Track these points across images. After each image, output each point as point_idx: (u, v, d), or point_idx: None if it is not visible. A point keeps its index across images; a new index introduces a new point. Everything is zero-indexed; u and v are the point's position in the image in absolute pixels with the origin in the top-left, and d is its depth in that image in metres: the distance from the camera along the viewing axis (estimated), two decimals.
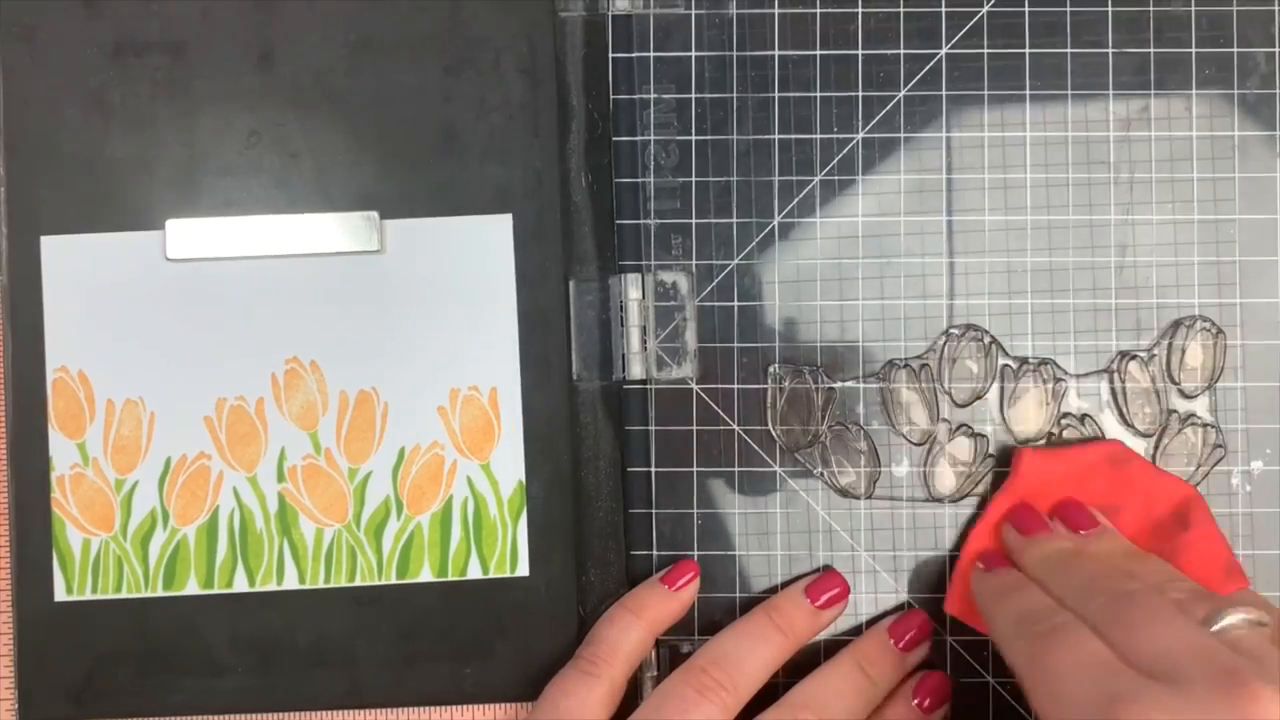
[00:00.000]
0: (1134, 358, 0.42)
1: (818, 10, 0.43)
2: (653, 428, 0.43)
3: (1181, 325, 0.42)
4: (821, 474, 0.43)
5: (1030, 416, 0.43)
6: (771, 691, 0.40)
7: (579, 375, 0.43)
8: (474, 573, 0.42)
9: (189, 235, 0.42)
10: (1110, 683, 0.32)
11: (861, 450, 0.43)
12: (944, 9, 0.43)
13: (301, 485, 0.42)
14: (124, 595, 0.42)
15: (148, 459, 0.42)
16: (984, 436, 0.43)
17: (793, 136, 0.43)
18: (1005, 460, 0.42)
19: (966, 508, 0.43)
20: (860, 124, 0.43)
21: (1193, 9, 0.42)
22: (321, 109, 0.42)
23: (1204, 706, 0.31)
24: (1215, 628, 0.33)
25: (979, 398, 0.43)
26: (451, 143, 0.42)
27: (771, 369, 0.43)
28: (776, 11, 0.43)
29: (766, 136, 0.43)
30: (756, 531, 0.43)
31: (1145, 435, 0.42)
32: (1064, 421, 0.42)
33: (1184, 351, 0.42)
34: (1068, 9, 0.42)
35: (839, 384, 0.43)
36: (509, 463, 0.42)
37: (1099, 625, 0.35)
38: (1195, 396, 0.42)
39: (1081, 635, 0.34)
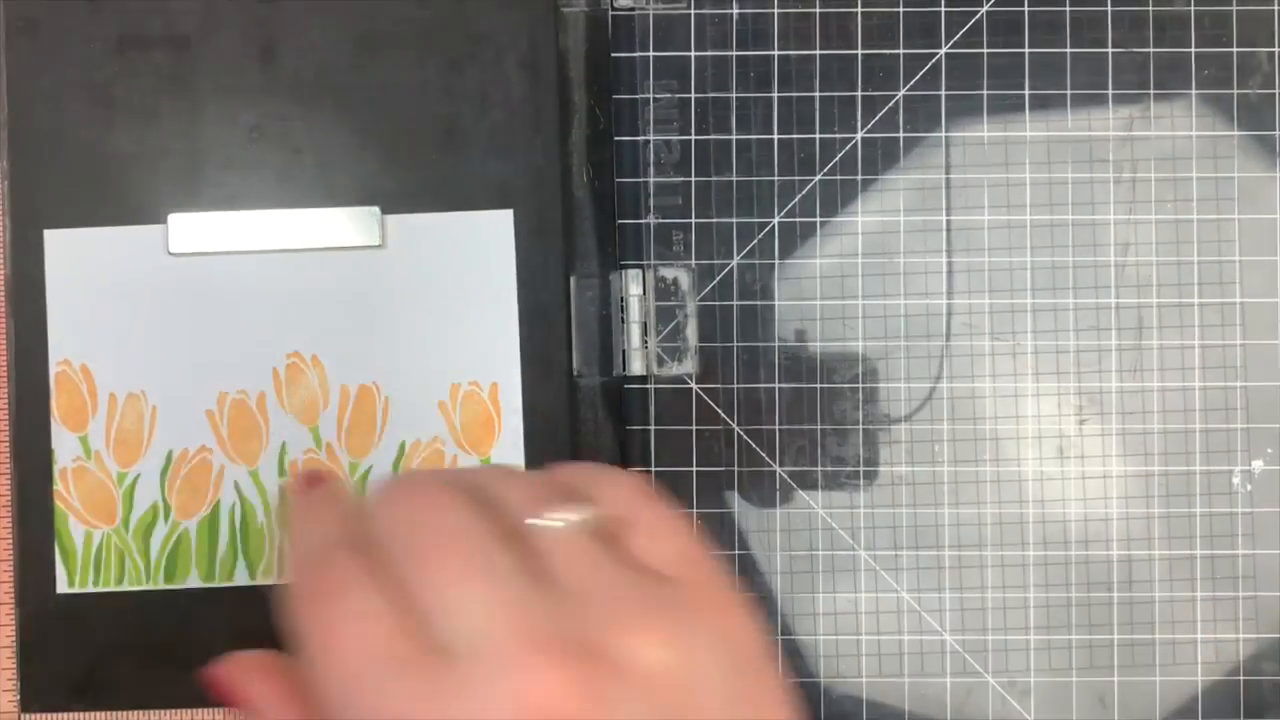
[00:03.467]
0: None
1: (818, 9, 0.43)
2: (652, 427, 0.43)
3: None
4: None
5: None
6: None
7: (579, 371, 0.43)
8: None
9: (191, 230, 0.42)
10: None
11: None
12: (944, 8, 0.43)
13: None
14: (126, 588, 0.42)
15: (149, 452, 0.42)
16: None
17: (793, 135, 0.43)
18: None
19: (968, 507, 0.43)
20: (860, 123, 0.43)
21: (1193, 9, 0.42)
22: (324, 104, 0.42)
23: None
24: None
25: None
26: (453, 138, 0.42)
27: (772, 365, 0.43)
28: (777, 10, 0.43)
29: (767, 135, 0.43)
30: (756, 531, 0.43)
31: None
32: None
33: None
34: (1068, 8, 0.42)
35: (839, 384, 0.43)
36: (509, 458, 0.42)
37: None
38: None
39: None
